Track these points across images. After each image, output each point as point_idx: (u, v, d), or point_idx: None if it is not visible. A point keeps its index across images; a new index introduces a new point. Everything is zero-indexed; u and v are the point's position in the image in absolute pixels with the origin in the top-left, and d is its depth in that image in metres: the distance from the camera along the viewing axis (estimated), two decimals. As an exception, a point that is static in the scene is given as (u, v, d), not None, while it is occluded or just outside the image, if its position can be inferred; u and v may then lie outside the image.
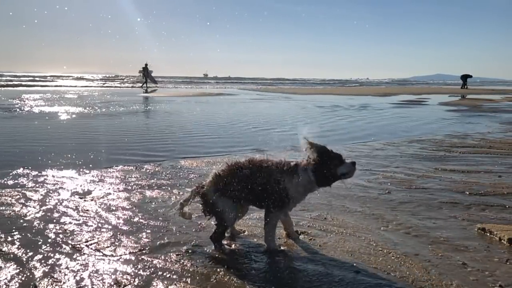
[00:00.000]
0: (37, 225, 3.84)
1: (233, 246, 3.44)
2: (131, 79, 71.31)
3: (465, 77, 42.90)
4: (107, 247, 3.40)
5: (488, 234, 3.69)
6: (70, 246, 3.40)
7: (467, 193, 4.95)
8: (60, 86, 42.51)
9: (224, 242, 3.46)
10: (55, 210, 4.24)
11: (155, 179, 5.53)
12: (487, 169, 6.19)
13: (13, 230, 3.69)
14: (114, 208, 4.35)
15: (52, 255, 3.22)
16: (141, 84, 36.38)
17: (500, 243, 3.52)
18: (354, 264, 3.12)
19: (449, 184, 5.32)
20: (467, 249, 3.39)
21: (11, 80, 50.72)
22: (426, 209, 4.41)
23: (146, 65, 36.95)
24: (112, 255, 3.24)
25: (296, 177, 3.22)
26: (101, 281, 2.85)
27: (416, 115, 15.84)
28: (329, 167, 3.20)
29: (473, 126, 12.16)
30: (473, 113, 16.62)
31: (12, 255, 3.20)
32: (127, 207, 4.40)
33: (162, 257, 3.22)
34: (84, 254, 3.26)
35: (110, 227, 3.84)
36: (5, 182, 5.24)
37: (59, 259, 3.16)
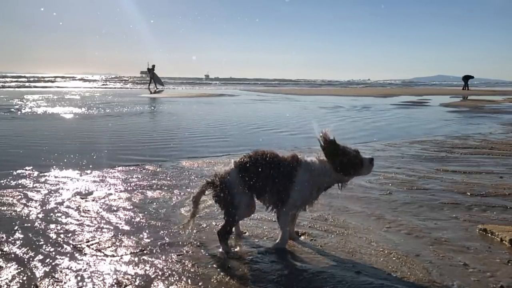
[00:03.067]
0: (38, 225, 3.85)
1: (236, 247, 3.44)
2: (134, 80, 71.44)
3: (466, 78, 42.85)
4: (108, 247, 3.40)
5: (489, 235, 3.68)
6: (71, 246, 3.40)
7: (469, 194, 4.94)
8: (62, 87, 42.60)
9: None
10: (56, 210, 4.25)
11: (156, 179, 5.53)
12: (489, 170, 6.18)
13: (14, 230, 3.70)
14: (115, 209, 4.35)
15: (53, 255, 3.23)
16: (153, 85, 36.64)
17: (502, 244, 3.52)
18: (355, 265, 3.12)
19: (451, 185, 5.31)
20: (469, 250, 3.39)
21: (13, 81, 50.83)
22: (427, 209, 4.41)
23: (153, 66, 37.00)
24: (113, 255, 3.25)
25: (312, 173, 3.22)
26: (102, 281, 2.85)
27: (417, 116, 15.82)
28: (349, 170, 3.28)
29: (474, 127, 12.15)
30: (474, 114, 16.60)
31: (13, 255, 3.21)
32: (128, 207, 4.41)
33: (163, 257, 3.22)
34: (85, 254, 3.26)
35: (111, 227, 3.84)
36: (7, 182, 5.25)
37: (60, 259, 3.16)
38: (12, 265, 3.05)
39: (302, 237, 3.63)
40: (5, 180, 5.34)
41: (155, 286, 2.81)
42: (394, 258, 3.23)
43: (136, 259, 3.19)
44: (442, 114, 16.67)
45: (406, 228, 3.87)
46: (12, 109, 15.64)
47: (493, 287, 2.81)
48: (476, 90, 45.34)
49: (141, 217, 4.12)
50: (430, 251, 3.37)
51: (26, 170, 5.90)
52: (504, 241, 3.52)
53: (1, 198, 4.62)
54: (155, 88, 36.46)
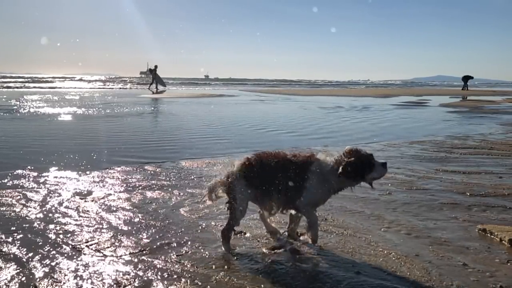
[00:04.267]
0: (37, 225, 3.85)
1: (236, 247, 3.44)
2: (133, 80, 71.39)
3: (466, 79, 42.89)
4: (108, 247, 3.40)
5: (488, 235, 3.68)
6: (70, 246, 3.40)
7: (468, 194, 4.94)
8: (61, 87, 42.60)
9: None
10: (55, 211, 4.25)
11: (155, 180, 5.53)
12: (488, 170, 6.18)
13: (14, 231, 3.70)
14: (114, 209, 4.35)
15: (52, 255, 3.23)
16: (154, 86, 36.80)
17: (501, 244, 3.52)
18: (355, 265, 3.12)
19: (450, 185, 5.31)
20: (468, 250, 3.39)
21: (12, 82, 50.77)
22: (427, 210, 4.41)
23: (155, 67, 37.19)
24: (112, 256, 3.24)
25: (322, 173, 3.19)
26: (101, 282, 2.85)
27: (417, 117, 15.83)
28: (359, 173, 3.17)
29: (474, 127, 12.16)
30: (474, 114, 16.61)
31: (12, 256, 3.21)
32: (128, 207, 4.41)
33: (163, 257, 3.22)
34: (85, 254, 3.26)
35: (110, 227, 3.84)
36: (6, 183, 5.25)
37: (59, 259, 3.16)
38: (11, 265, 3.05)
39: (302, 237, 3.62)
40: (4, 181, 5.34)
41: (154, 286, 2.81)
42: (393, 258, 3.23)
43: (135, 259, 3.19)
44: (442, 115, 16.67)
45: (405, 228, 3.87)
46: (11, 110, 15.64)
47: (493, 287, 2.81)
48: (476, 91, 45.34)
49: (141, 217, 4.11)
50: (429, 251, 3.37)
51: (25, 170, 5.89)
52: (503, 241, 3.52)
53: (0, 198, 4.62)
54: (156, 89, 36.51)
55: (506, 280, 2.89)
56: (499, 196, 4.85)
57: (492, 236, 3.64)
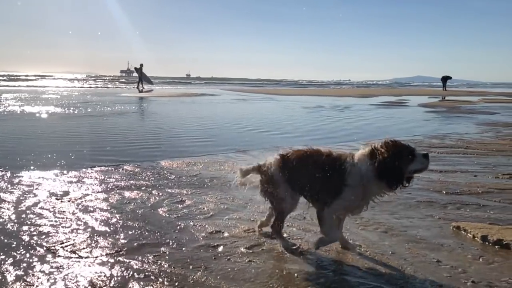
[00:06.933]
0: (10, 227, 3.75)
1: (218, 247, 3.43)
2: (114, 78, 70.37)
3: (445, 79, 43.87)
4: (83, 248, 3.34)
5: (462, 232, 3.77)
6: (44, 248, 3.33)
7: (444, 192, 5.04)
8: (40, 86, 41.63)
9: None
10: (30, 212, 4.15)
11: (134, 180, 5.46)
12: (464, 169, 6.33)
13: (-14, 233, 3.60)
14: (91, 209, 4.28)
15: (25, 257, 3.15)
16: (142, 84, 36.35)
17: (474, 240, 3.60)
18: (332, 263, 3.15)
19: (427, 184, 5.41)
20: (442, 247, 3.46)
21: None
22: (403, 208, 4.48)
23: (141, 65, 36.81)
24: (88, 257, 3.19)
25: (358, 171, 3.05)
26: (75, 284, 2.79)
27: (396, 116, 16.08)
28: (397, 165, 2.94)
29: (451, 126, 12.42)
30: (451, 114, 16.97)
31: (-17, 258, 3.12)
32: (105, 208, 4.34)
33: (139, 258, 3.18)
34: (59, 256, 3.20)
35: (86, 228, 3.77)
36: (-21, 184, 5.10)
37: (33, 261, 3.09)
38: (-18, 268, 2.96)
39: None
40: (-23, 181, 5.19)
41: (130, 287, 2.77)
42: (370, 256, 3.27)
43: (111, 260, 3.15)
44: (420, 114, 16.98)
45: (382, 226, 3.93)
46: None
47: (464, 282, 2.88)
48: (454, 91, 46.32)
49: (118, 217, 4.06)
50: (405, 248, 3.42)
51: (-1, 170, 5.74)
52: (476, 238, 3.61)
53: (-28, 199, 4.49)
54: (140, 88, 36.13)
55: (478, 275, 2.96)
56: (474, 194, 4.97)
57: (466, 233, 3.73)
